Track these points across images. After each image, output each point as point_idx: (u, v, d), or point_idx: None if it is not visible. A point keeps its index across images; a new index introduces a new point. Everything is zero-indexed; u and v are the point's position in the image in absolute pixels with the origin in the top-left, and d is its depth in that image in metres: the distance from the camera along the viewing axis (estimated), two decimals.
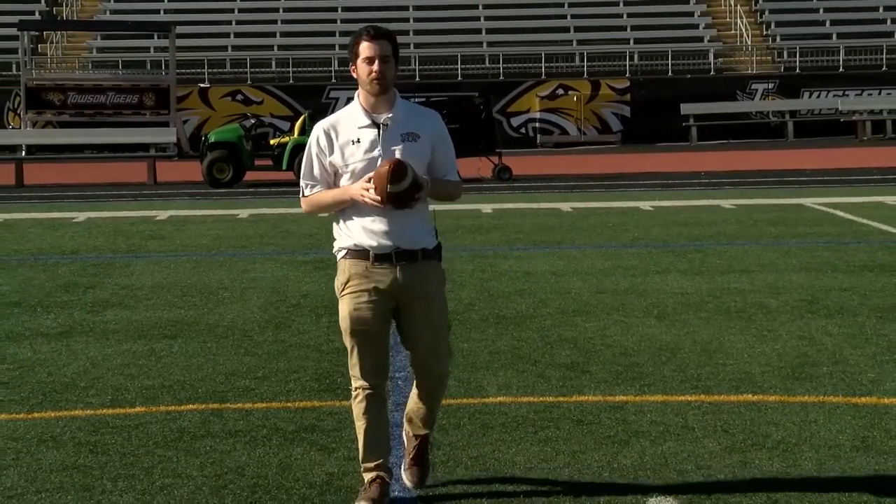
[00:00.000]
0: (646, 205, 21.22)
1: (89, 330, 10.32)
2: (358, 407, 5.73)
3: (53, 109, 38.76)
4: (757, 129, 41.73)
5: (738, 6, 46.87)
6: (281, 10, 47.46)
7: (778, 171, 28.88)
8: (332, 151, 5.65)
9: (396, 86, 5.78)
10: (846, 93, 42.56)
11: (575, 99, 42.28)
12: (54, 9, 47.49)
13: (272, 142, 28.68)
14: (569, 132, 42.39)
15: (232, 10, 47.46)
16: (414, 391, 5.96)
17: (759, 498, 5.81)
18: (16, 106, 40.37)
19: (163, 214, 21.16)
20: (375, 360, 5.71)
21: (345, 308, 5.68)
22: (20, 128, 39.06)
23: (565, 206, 21.22)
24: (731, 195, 22.85)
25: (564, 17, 46.94)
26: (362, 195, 5.52)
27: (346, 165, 5.63)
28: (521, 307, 11.08)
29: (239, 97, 41.87)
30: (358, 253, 5.65)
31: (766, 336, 9.59)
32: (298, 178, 5.94)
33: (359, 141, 5.61)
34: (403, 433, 6.13)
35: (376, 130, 5.61)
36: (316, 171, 5.73)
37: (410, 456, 6.03)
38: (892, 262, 13.58)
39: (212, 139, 28.64)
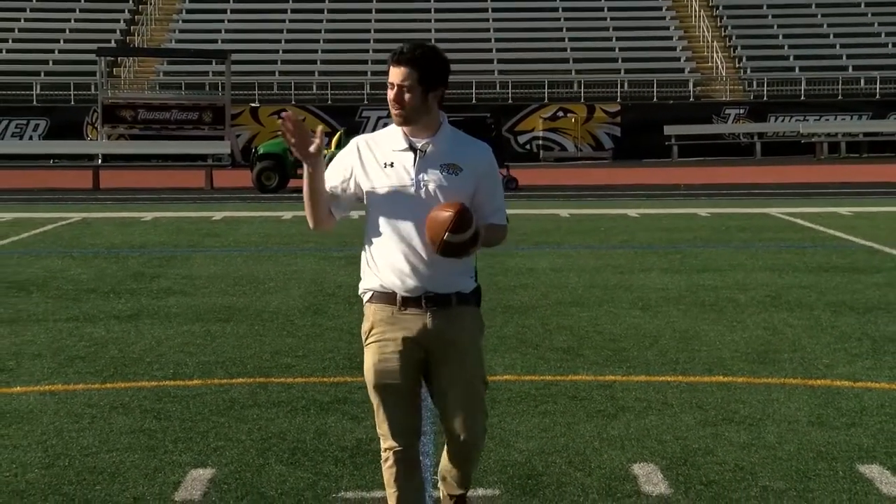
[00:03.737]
0: (633, 212, 21.18)
1: (154, 313, 10.34)
2: (388, 472, 4.46)
3: (125, 124, 38.85)
4: (729, 148, 41.64)
5: (714, 42, 46.78)
6: (321, 41, 47.49)
7: (747, 185, 28.81)
8: (362, 168, 4.36)
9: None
10: (806, 118, 42.44)
11: (573, 120, 42.23)
12: (127, 38, 47.66)
13: None
14: (567, 149, 42.33)
15: (279, 41, 47.50)
16: (445, 451, 4.62)
17: (728, 465, 5.80)
18: (94, 120, 40.50)
19: (218, 215, 21.19)
20: (405, 417, 4.42)
21: (369, 359, 4.40)
22: (97, 139, 39.19)
23: (564, 213, 21.20)
24: (707, 205, 22.79)
25: (565, 49, 46.89)
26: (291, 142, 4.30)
27: (374, 189, 4.33)
28: (524, 299, 11.07)
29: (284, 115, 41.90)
30: (384, 296, 4.35)
31: (736, 326, 9.57)
32: None
33: (391, 165, 4.32)
34: (440, 492, 4.81)
35: (412, 156, 4.32)
36: (334, 175, 4.41)
37: None
38: (845, 263, 13.53)
39: (261, 151, 28.75)
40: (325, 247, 15.71)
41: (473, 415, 4.43)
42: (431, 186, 4.30)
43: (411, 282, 4.30)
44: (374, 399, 4.43)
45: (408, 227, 4.30)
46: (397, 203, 4.30)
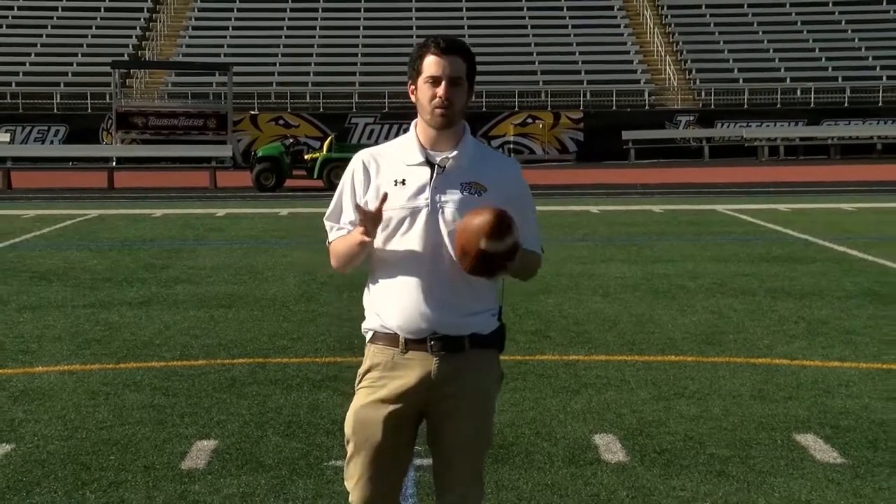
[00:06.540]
0: (594, 209, 21.20)
1: (163, 300, 10.30)
2: None
3: (137, 130, 38.57)
4: (681, 151, 41.74)
5: (667, 56, 46.91)
6: (314, 55, 47.37)
7: (696, 184, 28.87)
8: (367, 190, 3.30)
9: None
10: (749, 124, 42.62)
11: (541, 126, 42.28)
12: (139, 52, 47.44)
13: (306, 157, 28.64)
14: (536, 152, 42.37)
15: (276, 55, 47.36)
16: None
17: (678, 434, 5.82)
18: (108, 126, 40.27)
19: (221, 212, 21.11)
20: (378, 483, 3.34)
21: (356, 403, 3.43)
22: (112, 144, 38.97)
23: None
24: (660, 202, 22.84)
25: (533, 62, 46.91)
26: (361, 238, 3.22)
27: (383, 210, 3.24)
28: None
29: (281, 122, 41.77)
30: (386, 337, 3.32)
31: (686, 310, 9.59)
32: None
33: (403, 182, 3.25)
34: None
35: (429, 172, 3.25)
36: (344, 211, 3.35)
37: None
38: (783, 254, 13.59)
39: (259, 154, 28.68)
40: (318, 240, 15.64)
41: (467, 476, 3.34)
42: (449, 209, 3.23)
43: (417, 321, 3.25)
44: (349, 449, 3.38)
45: (418, 257, 3.24)
46: (408, 228, 3.24)
